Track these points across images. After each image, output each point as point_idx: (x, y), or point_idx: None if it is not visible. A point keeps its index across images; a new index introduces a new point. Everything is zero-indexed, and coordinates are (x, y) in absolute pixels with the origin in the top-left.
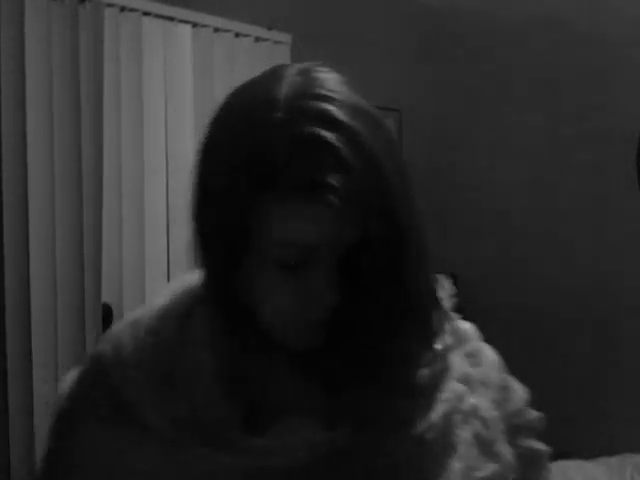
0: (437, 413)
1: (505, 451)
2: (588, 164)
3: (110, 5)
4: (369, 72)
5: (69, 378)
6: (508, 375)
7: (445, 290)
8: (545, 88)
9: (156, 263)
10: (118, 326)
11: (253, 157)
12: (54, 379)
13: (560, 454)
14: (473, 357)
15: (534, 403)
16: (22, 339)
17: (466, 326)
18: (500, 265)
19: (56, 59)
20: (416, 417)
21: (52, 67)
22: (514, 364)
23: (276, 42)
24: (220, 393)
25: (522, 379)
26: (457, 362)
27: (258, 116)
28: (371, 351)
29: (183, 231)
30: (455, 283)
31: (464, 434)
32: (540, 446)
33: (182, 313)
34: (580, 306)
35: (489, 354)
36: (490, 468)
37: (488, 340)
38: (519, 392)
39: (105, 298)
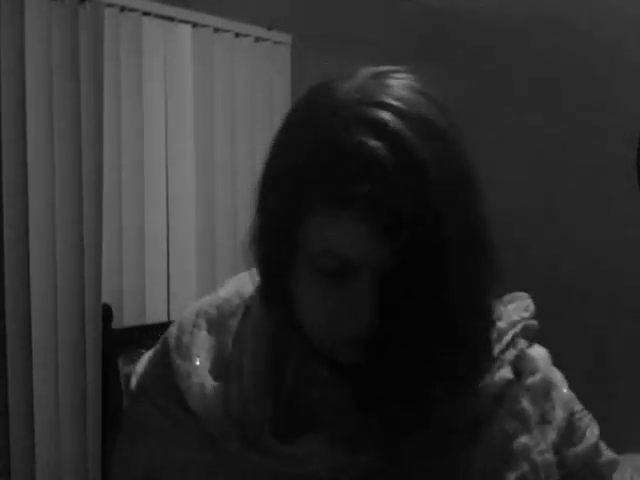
0: (476, 450)
1: None
2: (588, 164)
3: (110, 5)
4: None
5: (143, 359)
6: (580, 412)
7: (517, 311)
8: (545, 88)
9: (156, 263)
10: (187, 310)
11: (305, 161)
12: (54, 379)
13: None
14: (536, 391)
15: None
16: (22, 339)
17: (538, 354)
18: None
19: (56, 59)
20: (451, 452)
21: (52, 67)
22: None
23: (276, 42)
24: (262, 395)
25: None
26: (516, 396)
27: (317, 120)
28: (409, 376)
29: (183, 231)
30: None
31: (508, 476)
32: None
33: (242, 310)
34: (580, 306)
35: (558, 387)
36: None
37: None
38: (589, 433)
39: (105, 298)
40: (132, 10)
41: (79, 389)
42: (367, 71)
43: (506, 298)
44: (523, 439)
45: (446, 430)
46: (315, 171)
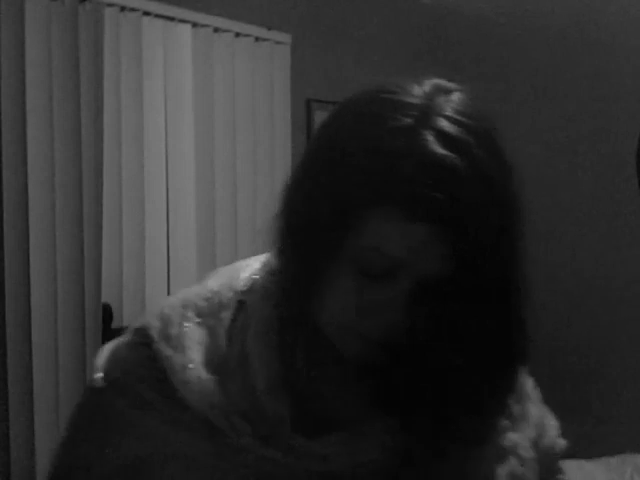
0: (484, 449)
1: None
2: (588, 164)
3: (110, 5)
4: (369, 72)
5: (105, 352)
6: (544, 408)
7: None
8: (545, 88)
9: (156, 263)
10: (166, 302)
11: (374, 164)
12: (54, 379)
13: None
14: (516, 392)
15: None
16: (22, 339)
17: None
18: None
19: (56, 59)
20: (466, 451)
21: (52, 67)
22: None
23: (276, 42)
24: (278, 391)
25: None
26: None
27: (388, 123)
28: (427, 386)
29: (183, 231)
30: None
31: (500, 471)
32: (564, 477)
33: (237, 303)
34: (581, 306)
35: (530, 389)
36: None
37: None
38: (553, 427)
39: (105, 298)
40: (132, 10)
41: (79, 389)
42: (429, 82)
43: None
44: (511, 436)
45: (460, 436)
46: (381, 172)
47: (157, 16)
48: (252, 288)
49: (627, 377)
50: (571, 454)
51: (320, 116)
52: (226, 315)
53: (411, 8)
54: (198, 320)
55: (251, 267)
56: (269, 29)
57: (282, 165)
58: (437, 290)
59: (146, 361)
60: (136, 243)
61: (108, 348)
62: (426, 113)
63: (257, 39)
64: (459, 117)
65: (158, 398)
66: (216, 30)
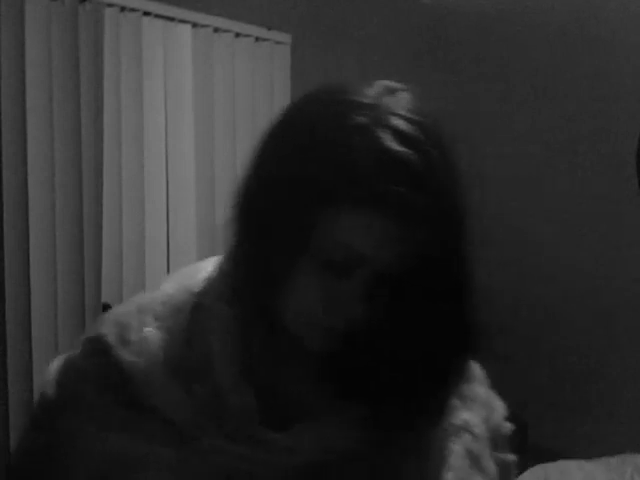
0: (438, 427)
1: (491, 466)
2: (588, 164)
3: (110, 5)
4: (369, 72)
5: (55, 366)
6: (490, 390)
7: None
8: (545, 88)
9: (156, 263)
10: (120, 311)
11: (334, 162)
12: None
13: (560, 454)
14: (466, 374)
15: (532, 401)
16: (22, 339)
17: None
18: (500, 265)
19: (56, 59)
20: (422, 429)
21: (52, 67)
22: (514, 364)
23: (276, 42)
24: (243, 388)
25: (522, 379)
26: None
27: (345, 122)
28: (392, 368)
29: (183, 231)
30: None
31: (456, 447)
32: (511, 457)
33: (195, 305)
34: (580, 306)
35: (477, 371)
36: None
37: (488, 338)
38: (499, 408)
39: (105, 298)
40: (132, 10)
41: None
42: (379, 84)
43: None
44: (463, 415)
45: (415, 412)
46: (341, 170)
47: (157, 16)
48: (208, 289)
49: (627, 377)
50: (571, 454)
51: None
52: (184, 317)
53: (411, 8)
54: (157, 324)
55: (207, 268)
56: (269, 29)
57: None
58: (396, 282)
59: (104, 369)
60: (136, 243)
61: (58, 362)
62: (380, 112)
63: (257, 39)
64: (411, 115)
65: (119, 408)
66: (216, 30)
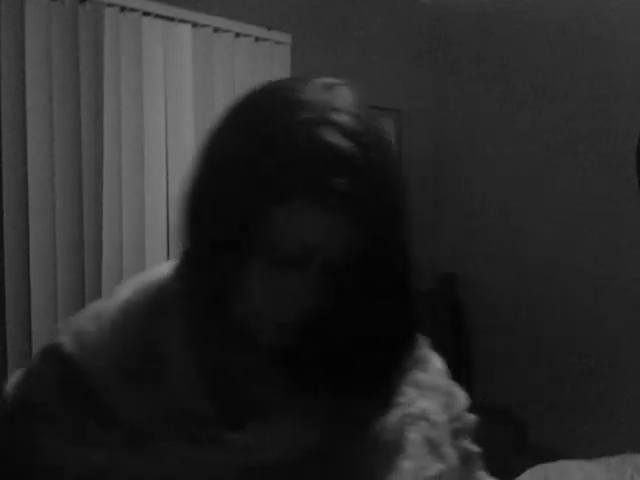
0: (392, 416)
1: (450, 453)
2: (588, 164)
3: (110, 5)
4: (369, 72)
5: (15, 378)
6: (451, 381)
7: None
8: (545, 88)
9: (156, 263)
10: (78, 318)
11: (278, 159)
12: None
13: (560, 454)
14: (422, 363)
15: (532, 401)
16: (22, 339)
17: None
18: (500, 265)
19: (56, 59)
20: (372, 419)
21: (52, 67)
22: (515, 363)
23: (276, 42)
24: (198, 389)
25: (522, 378)
26: (409, 368)
27: (288, 119)
28: (340, 359)
29: None
30: (455, 283)
31: (414, 435)
32: (475, 448)
33: (151, 307)
34: (581, 306)
35: (436, 361)
36: (438, 468)
37: (488, 339)
38: (461, 397)
39: None
40: (132, 10)
41: None
42: (318, 79)
43: None
44: (421, 403)
45: (366, 404)
46: (286, 165)
47: (157, 16)
48: (163, 291)
49: (627, 377)
50: (571, 454)
51: None
52: (140, 321)
53: (411, 8)
54: (113, 329)
55: (162, 271)
56: (269, 29)
57: None
58: (344, 273)
59: (62, 377)
60: (136, 243)
61: (18, 374)
62: (322, 108)
63: (257, 39)
64: (352, 110)
65: (79, 415)
66: (216, 30)
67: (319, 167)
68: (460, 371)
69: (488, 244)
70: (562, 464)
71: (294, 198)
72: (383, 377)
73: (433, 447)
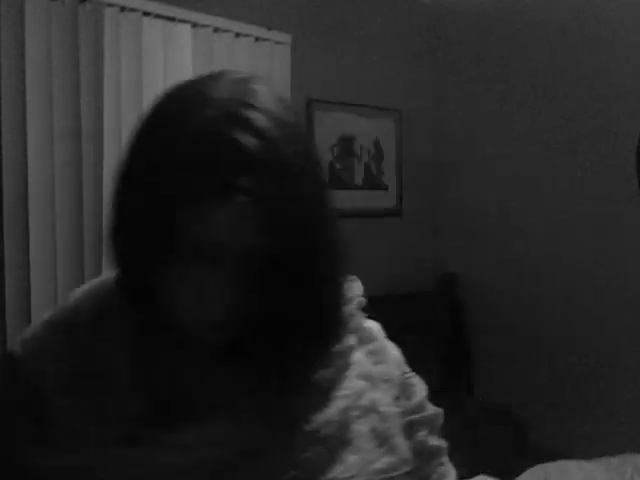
0: (334, 409)
1: (402, 445)
2: (588, 164)
3: (110, 5)
4: (369, 72)
5: None
6: (410, 372)
7: (353, 290)
8: (545, 88)
9: None
10: (32, 326)
11: (180, 155)
12: None
13: (560, 454)
14: (376, 355)
15: (532, 401)
16: None
17: (371, 325)
18: (500, 265)
19: (56, 59)
20: (313, 414)
21: (52, 67)
22: (515, 363)
23: (276, 42)
24: (135, 391)
25: (522, 378)
26: (360, 360)
27: (192, 117)
28: (272, 353)
29: None
30: (455, 283)
31: (362, 428)
32: (436, 441)
33: (96, 311)
34: (581, 306)
35: (392, 352)
36: (385, 461)
37: (488, 339)
38: (419, 389)
39: None
40: (132, 10)
41: None
42: (232, 74)
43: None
44: (370, 395)
45: (302, 398)
46: (192, 164)
47: (157, 16)
48: (108, 295)
49: (627, 377)
50: (571, 454)
51: (320, 116)
52: (87, 327)
53: (411, 8)
54: (63, 336)
55: (109, 278)
56: (269, 29)
57: None
58: (260, 268)
59: (14, 384)
60: None
61: None
62: (228, 105)
63: (257, 39)
64: (262, 106)
65: (30, 422)
66: (216, 30)
67: (222, 165)
68: (460, 371)
69: (488, 244)
70: (562, 464)
71: (199, 198)
72: (311, 369)
73: (382, 440)
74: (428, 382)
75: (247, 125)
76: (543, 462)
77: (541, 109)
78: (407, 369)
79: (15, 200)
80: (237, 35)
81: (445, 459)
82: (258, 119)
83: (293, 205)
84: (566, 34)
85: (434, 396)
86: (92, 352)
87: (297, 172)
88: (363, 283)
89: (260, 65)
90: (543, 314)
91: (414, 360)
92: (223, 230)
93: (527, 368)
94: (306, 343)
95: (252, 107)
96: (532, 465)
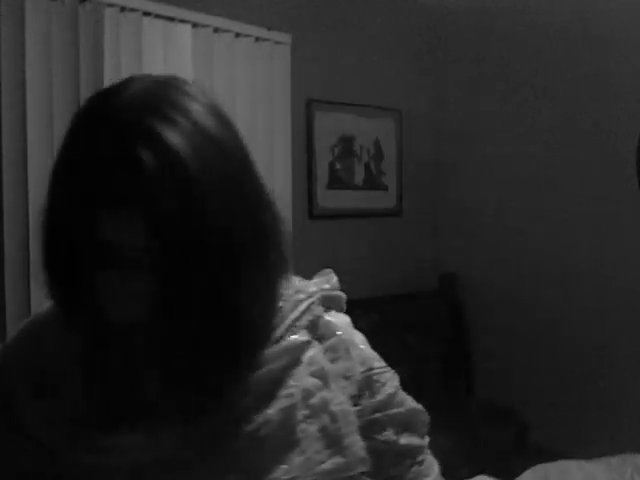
0: (275, 409)
1: (356, 445)
2: (588, 164)
3: (110, 5)
4: (369, 72)
5: None
6: (379, 368)
7: (322, 284)
8: (545, 88)
9: None
10: (13, 333)
11: (84, 164)
12: None
13: (560, 454)
14: (335, 351)
15: (532, 401)
16: None
17: (336, 319)
18: (500, 265)
19: (56, 59)
20: (250, 413)
21: (52, 67)
22: (515, 363)
23: (276, 42)
24: (78, 393)
25: (522, 378)
26: (315, 356)
27: (95, 127)
28: (189, 353)
29: None
30: (455, 283)
31: (310, 428)
32: (408, 440)
33: (56, 319)
34: (580, 306)
35: (359, 347)
36: (335, 461)
37: (488, 339)
38: (388, 386)
39: None
40: (132, 10)
41: None
42: (143, 79)
43: (316, 275)
44: (322, 394)
45: (238, 397)
46: (91, 173)
47: (157, 16)
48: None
49: (627, 377)
50: (571, 454)
51: (320, 116)
52: (46, 332)
53: (411, 8)
54: (31, 346)
55: None
56: (269, 29)
57: (282, 165)
58: (167, 272)
59: None
60: None
61: None
62: (131, 114)
63: (257, 39)
64: (167, 111)
65: (2, 430)
66: (216, 30)
67: (116, 179)
68: (460, 371)
69: (488, 244)
70: (562, 464)
71: (93, 206)
72: (234, 367)
73: (333, 440)
74: (428, 382)
75: (145, 136)
76: (543, 462)
77: (541, 109)
78: (376, 364)
79: (15, 200)
80: (237, 35)
81: (423, 457)
82: (158, 129)
83: (185, 209)
84: (566, 34)
85: (434, 396)
86: (47, 357)
87: (199, 189)
88: (363, 283)
89: (260, 65)
90: (543, 314)
91: (414, 360)
92: (115, 234)
93: (527, 368)
94: (218, 342)
95: (157, 114)
96: (532, 465)
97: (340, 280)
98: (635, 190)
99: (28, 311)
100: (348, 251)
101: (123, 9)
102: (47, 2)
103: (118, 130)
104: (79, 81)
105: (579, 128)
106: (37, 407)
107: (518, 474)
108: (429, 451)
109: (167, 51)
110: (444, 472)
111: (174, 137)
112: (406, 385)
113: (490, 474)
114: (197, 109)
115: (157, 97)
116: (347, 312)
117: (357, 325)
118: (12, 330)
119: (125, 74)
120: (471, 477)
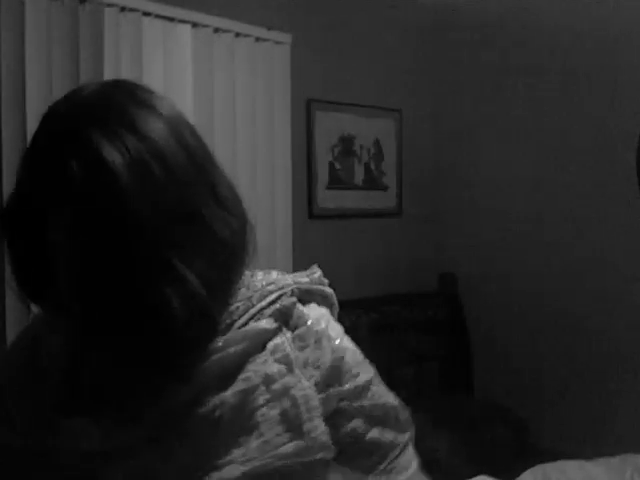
0: (230, 391)
1: (318, 429)
2: (588, 164)
3: (110, 5)
4: (369, 72)
5: None
6: (352, 360)
7: (300, 278)
8: (545, 89)
9: None
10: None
11: (25, 173)
12: None
13: (560, 454)
14: (303, 340)
15: (532, 401)
16: None
17: (310, 311)
18: (500, 265)
19: (56, 59)
20: (204, 396)
21: (52, 67)
22: (514, 363)
23: (276, 42)
24: (56, 379)
25: (522, 378)
26: (280, 343)
27: (37, 136)
28: (132, 337)
29: None
30: (455, 283)
31: (271, 412)
32: (379, 435)
33: (41, 321)
34: (580, 306)
35: (330, 339)
36: (293, 444)
37: (488, 338)
38: (360, 378)
39: None
40: (132, 10)
41: None
42: (101, 86)
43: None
44: (285, 380)
45: (187, 381)
46: (31, 182)
47: (157, 16)
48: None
49: (627, 377)
50: (571, 454)
51: (320, 116)
52: (35, 329)
53: (411, 8)
54: (25, 343)
55: None
56: (269, 29)
57: (282, 165)
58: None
59: None
60: None
61: None
62: (68, 123)
63: (257, 39)
64: (108, 120)
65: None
66: (216, 30)
67: (46, 186)
68: (460, 371)
69: (488, 244)
70: (562, 464)
71: (45, 204)
72: (187, 350)
73: (293, 424)
74: (428, 382)
75: (83, 147)
76: (543, 462)
77: (541, 109)
78: (349, 356)
79: None
80: (237, 35)
81: (397, 454)
82: (92, 139)
83: (104, 215)
84: (566, 34)
85: (434, 396)
86: (37, 363)
87: (121, 180)
88: (363, 283)
89: (260, 65)
90: (543, 314)
91: (414, 360)
92: (55, 235)
93: (527, 368)
94: (155, 327)
95: (99, 127)
96: (532, 465)
97: (340, 280)
98: (635, 190)
99: (28, 311)
100: (348, 251)
101: (123, 9)
102: (47, 2)
103: (56, 136)
104: (79, 81)
105: (579, 128)
106: (22, 394)
107: (518, 474)
108: (410, 449)
109: (167, 51)
110: (444, 472)
111: (110, 150)
112: (406, 385)
113: (490, 474)
114: (150, 122)
115: (106, 108)
116: (347, 312)
117: (357, 325)
118: (13, 330)
119: (125, 74)
120: (471, 477)
